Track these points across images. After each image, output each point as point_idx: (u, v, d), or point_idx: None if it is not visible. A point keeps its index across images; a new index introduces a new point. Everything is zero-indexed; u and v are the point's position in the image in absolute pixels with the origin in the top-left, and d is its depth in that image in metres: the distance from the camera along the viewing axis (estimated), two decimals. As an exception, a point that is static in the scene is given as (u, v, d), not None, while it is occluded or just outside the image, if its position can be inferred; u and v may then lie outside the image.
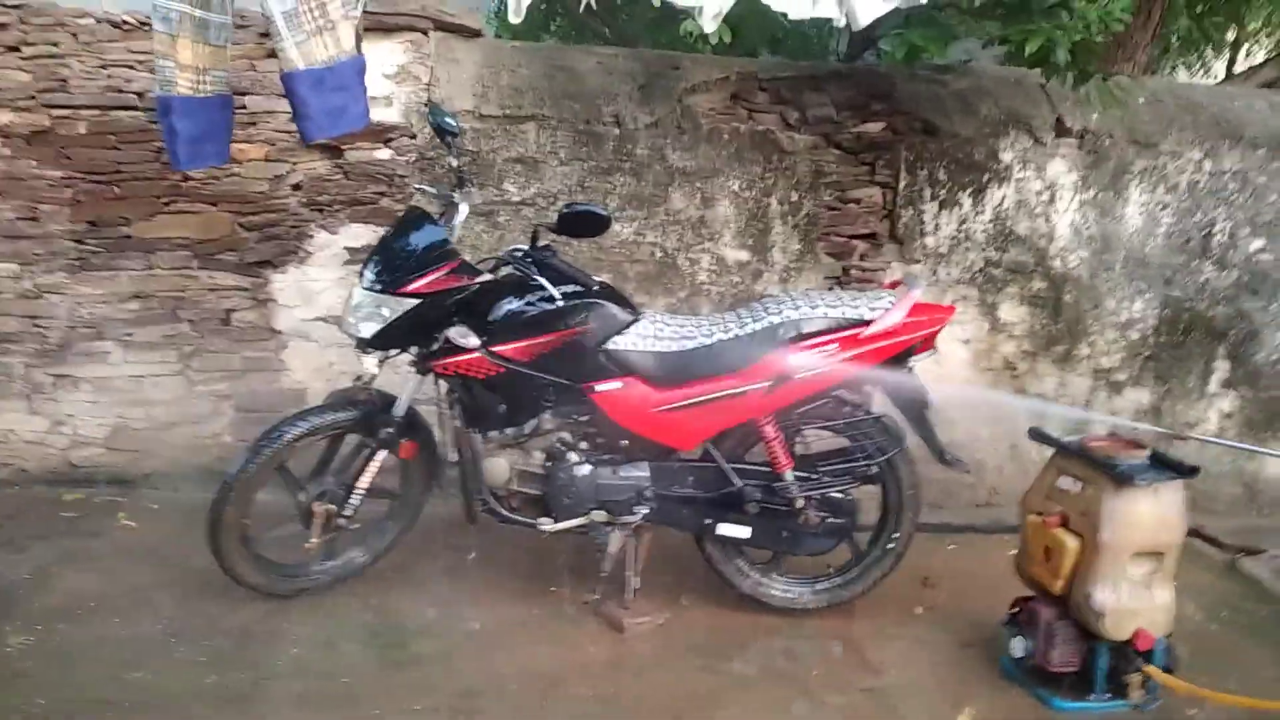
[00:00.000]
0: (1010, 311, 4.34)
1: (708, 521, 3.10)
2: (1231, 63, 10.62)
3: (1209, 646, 3.23)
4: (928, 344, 3.05)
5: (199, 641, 2.86)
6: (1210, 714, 2.81)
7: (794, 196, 4.12)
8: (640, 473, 3.06)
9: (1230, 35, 8.35)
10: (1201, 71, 9.44)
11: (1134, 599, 2.71)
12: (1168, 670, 2.78)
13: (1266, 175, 4.41)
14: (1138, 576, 2.73)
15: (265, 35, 3.52)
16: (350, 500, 3.08)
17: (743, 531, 3.10)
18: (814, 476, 3.13)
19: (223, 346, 3.99)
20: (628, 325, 3.00)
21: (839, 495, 3.14)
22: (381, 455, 3.08)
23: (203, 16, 2.57)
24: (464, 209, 3.11)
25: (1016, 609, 2.96)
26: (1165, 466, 2.74)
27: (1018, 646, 2.86)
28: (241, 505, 2.94)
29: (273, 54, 2.79)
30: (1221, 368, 4.59)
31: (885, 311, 2.94)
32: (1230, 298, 4.51)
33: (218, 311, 3.95)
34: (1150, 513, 2.71)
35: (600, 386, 2.96)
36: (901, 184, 4.13)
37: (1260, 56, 9.94)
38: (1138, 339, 4.47)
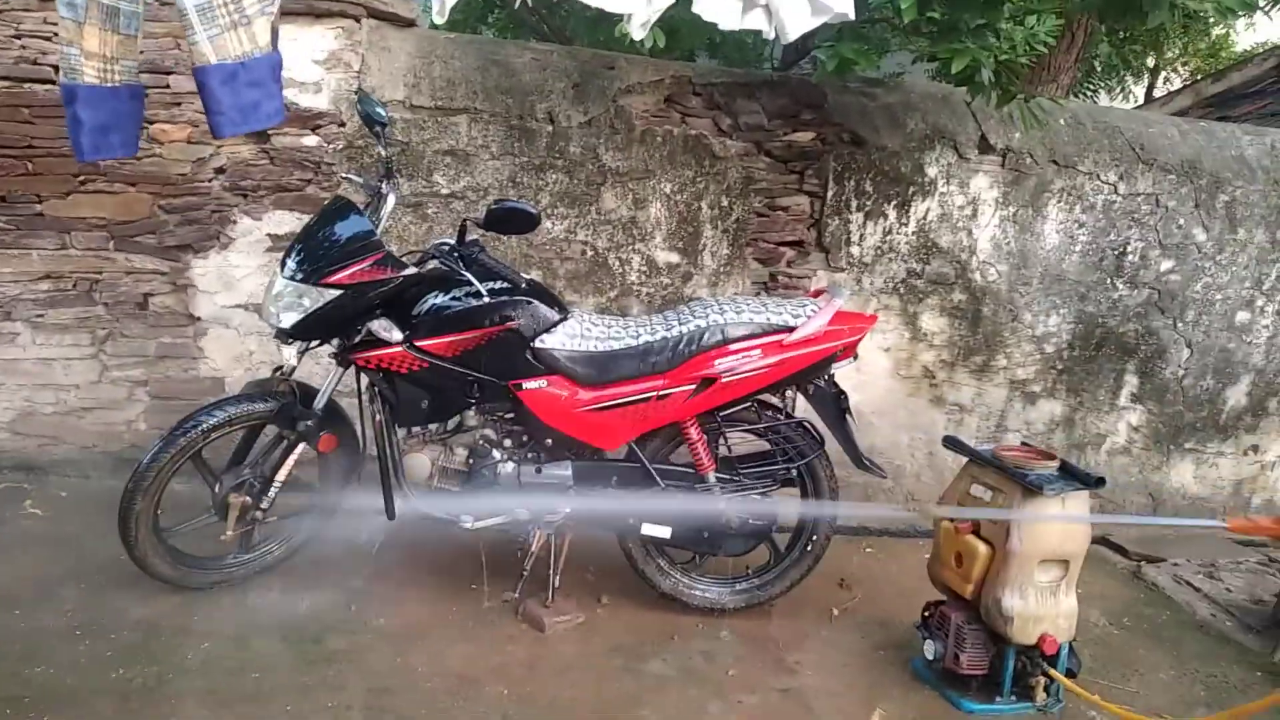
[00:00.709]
0: (931, 321, 4.43)
1: (630, 521, 3.11)
2: (1151, 88, 11.01)
3: (1112, 650, 3.36)
4: (849, 351, 3.11)
5: (106, 635, 2.78)
6: (1110, 718, 2.91)
7: (724, 201, 4.15)
8: (564, 471, 3.06)
9: (1150, 62, 8.66)
10: (1122, 96, 9.77)
11: (1040, 605, 2.80)
12: (1070, 674, 2.88)
13: (1176, 199, 4.58)
14: (1044, 583, 2.82)
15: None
16: (267, 493, 3.04)
17: (664, 531, 3.12)
18: (735, 478, 3.17)
19: (139, 331, 3.88)
20: (556, 324, 2.99)
21: (759, 497, 3.18)
22: (300, 448, 3.04)
23: (112, 4, 2.49)
24: (391, 200, 3.07)
25: (929, 612, 3.03)
26: (1073, 477, 2.83)
27: (929, 649, 2.93)
28: (154, 495, 2.87)
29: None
30: (1131, 382, 4.76)
31: (809, 319, 2.99)
32: (1140, 315, 4.68)
33: (134, 295, 3.84)
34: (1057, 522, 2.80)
35: (526, 384, 2.96)
36: (829, 193, 4.20)
37: (1177, 83, 10.33)
38: (1052, 352, 4.61)
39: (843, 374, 3.23)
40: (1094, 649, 3.34)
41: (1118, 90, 9.54)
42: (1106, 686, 3.08)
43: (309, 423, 3.01)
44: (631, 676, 2.89)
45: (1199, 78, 9.78)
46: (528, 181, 4.00)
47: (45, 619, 2.84)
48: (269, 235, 3.86)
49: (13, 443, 3.87)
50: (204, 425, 2.88)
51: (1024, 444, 3.12)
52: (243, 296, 3.90)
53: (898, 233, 4.32)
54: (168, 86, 3.64)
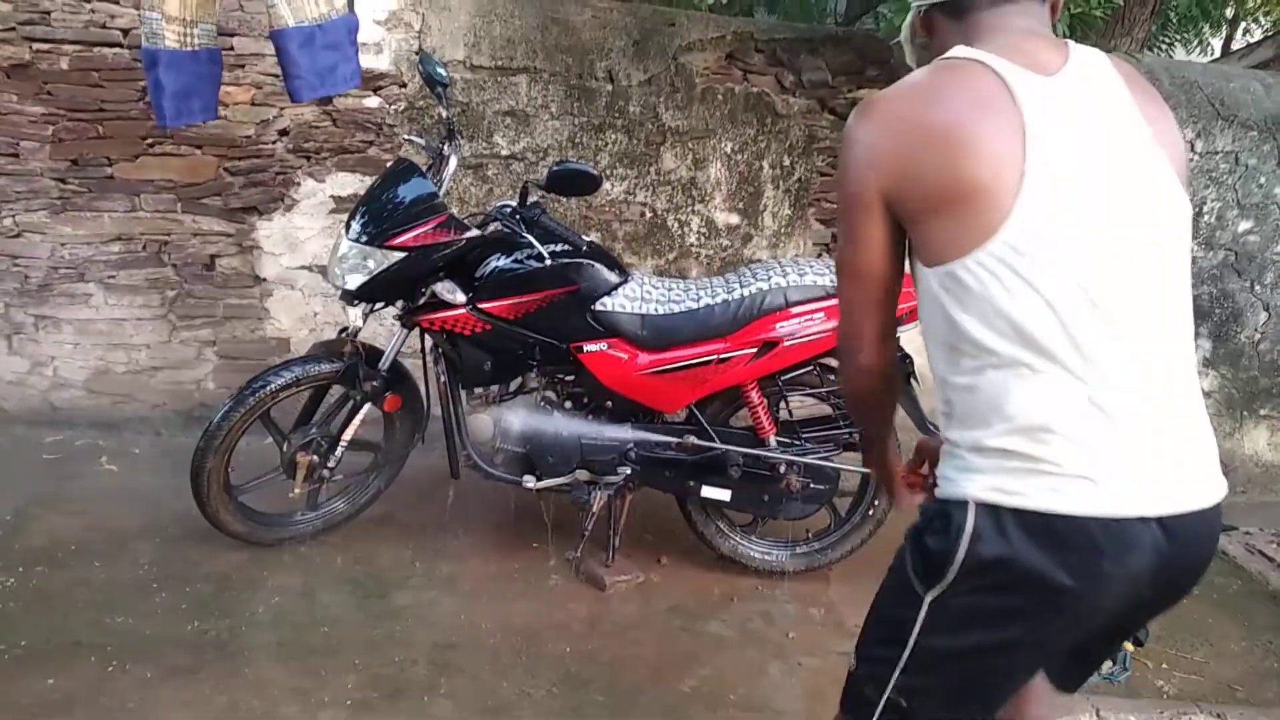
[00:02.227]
0: (997, 283, 4.34)
1: (691, 483, 3.12)
2: (1229, 40, 10.59)
3: (1181, 620, 3.30)
4: (914, 315, 3.04)
5: (179, 588, 2.87)
6: (1179, 685, 2.87)
7: (786, 161, 4.10)
8: (625, 433, 3.07)
9: (1229, 12, 8.33)
10: (1199, 48, 9.42)
11: None
12: (1138, 643, 2.83)
13: (1257, 157, 4.42)
14: None
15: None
16: (334, 452, 3.08)
17: (724, 494, 3.12)
18: (796, 442, 3.15)
19: (206, 292, 3.95)
20: (616, 286, 2.98)
21: (820, 462, 3.16)
22: (366, 408, 3.09)
23: None
24: (453, 162, 3.07)
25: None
26: None
27: None
28: (225, 453, 2.93)
29: (261, -8, 2.74)
30: (1204, 347, 4.63)
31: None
32: (1216, 278, 4.54)
33: (201, 257, 3.91)
34: None
35: (587, 347, 2.96)
36: (894, 152, 4.12)
37: (1257, 34, 9.93)
38: (1121, 315, 4.49)
39: (906, 337, 3.17)
40: (1163, 618, 3.27)
41: (1195, 43, 9.19)
42: (1174, 656, 3.04)
43: (374, 383, 3.04)
44: (690, 636, 2.91)
45: (1280, 29, 9.39)
46: (587, 142, 3.98)
47: (123, 571, 2.93)
48: (332, 197, 3.90)
49: (88, 400, 3.99)
50: (272, 385, 2.93)
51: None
52: (307, 258, 3.95)
53: (963, 193, 4.22)
54: (231, 48, 3.67)
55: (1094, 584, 1.25)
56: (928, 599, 1.33)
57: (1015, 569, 1.25)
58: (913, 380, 3.14)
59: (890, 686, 1.41)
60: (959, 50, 1.33)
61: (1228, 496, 1.39)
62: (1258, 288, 4.58)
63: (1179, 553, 1.29)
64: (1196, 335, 4.56)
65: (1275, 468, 4.87)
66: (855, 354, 1.45)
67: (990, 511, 1.27)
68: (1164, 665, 2.98)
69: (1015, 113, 1.23)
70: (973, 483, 1.30)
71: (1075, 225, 1.23)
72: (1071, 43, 1.34)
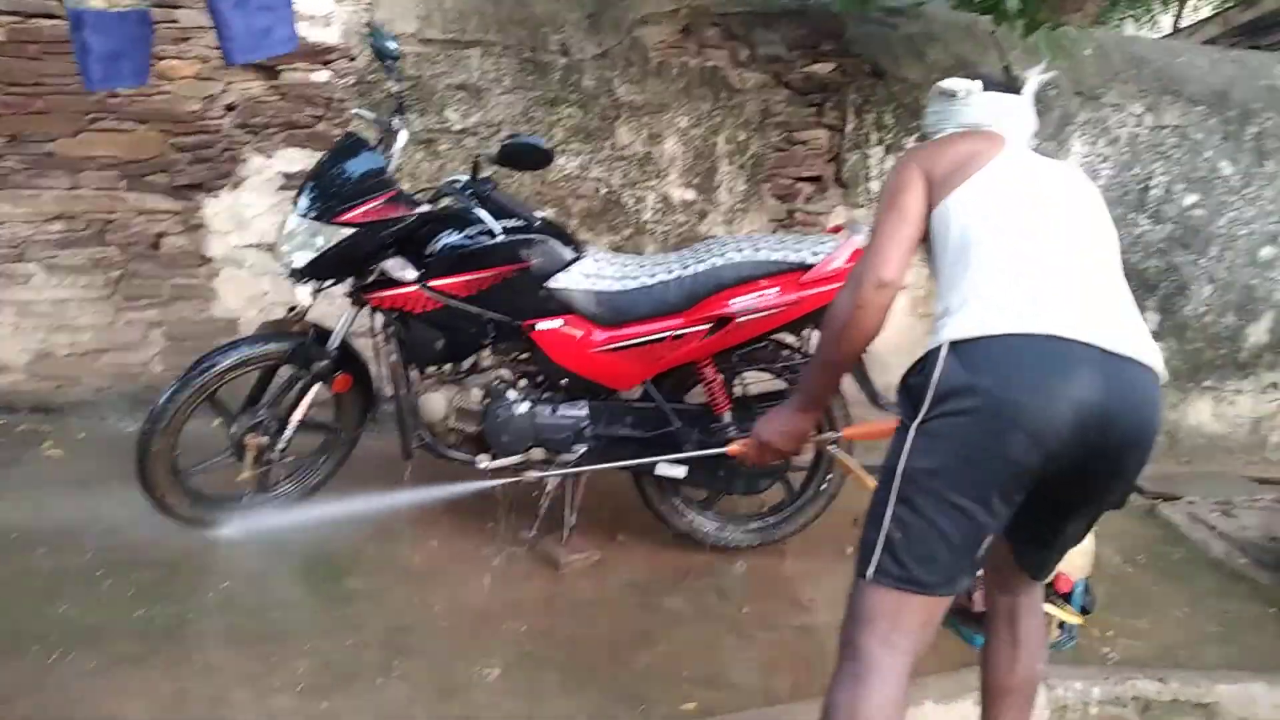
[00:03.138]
0: (950, 258, 4.37)
1: (645, 460, 3.11)
2: (1178, 17, 10.73)
3: (1127, 588, 3.37)
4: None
5: (126, 575, 2.81)
6: (1123, 652, 2.93)
7: (741, 136, 4.09)
8: (579, 411, 3.06)
9: (1178, -12, 8.45)
10: (1149, 25, 9.53)
11: None
12: (1084, 611, 2.89)
13: (1204, 132, 4.48)
14: None
15: (196, -54, 3.36)
16: (283, 433, 3.04)
17: (680, 471, 3.12)
18: (752, 418, 3.15)
19: (152, 272, 3.87)
20: (570, 263, 2.96)
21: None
22: (316, 388, 3.04)
23: None
24: (403, 136, 3.01)
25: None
26: None
27: None
28: (171, 436, 2.88)
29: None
30: (1151, 319, 4.70)
31: (826, 256, 2.94)
32: (1163, 251, 4.61)
33: (147, 236, 3.82)
34: None
35: (541, 324, 2.94)
36: (849, 127, 4.13)
37: (1205, 11, 10.05)
38: (1072, 289, 4.55)
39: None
40: (1109, 586, 3.35)
41: (1145, 19, 9.30)
42: (1119, 623, 3.10)
43: (324, 363, 3.00)
44: (647, 612, 2.92)
45: (1228, 6, 9.51)
46: (541, 116, 3.94)
47: (67, 559, 2.87)
48: (281, 174, 3.83)
49: (30, 384, 3.89)
50: (219, 366, 2.88)
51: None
52: (256, 236, 3.87)
53: (917, 168, 4.24)
54: (175, 21, 3.58)
55: (1044, 399, 1.52)
56: (912, 428, 1.62)
57: (977, 388, 1.54)
58: (864, 355, 3.16)
59: (887, 520, 1.63)
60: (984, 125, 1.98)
61: (1172, 466, 1.47)
62: (1203, 261, 4.66)
63: (1122, 397, 1.56)
64: (1144, 308, 4.64)
65: (1218, 438, 4.98)
66: (880, 269, 1.76)
67: (956, 348, 1.59)
68: (1109, 633, 3.03)
69: (1001, 141, 1.88)
70: (944, 330, 1.62)
71: (1020, 181, 1.79)
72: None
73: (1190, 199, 4.56)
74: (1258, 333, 4.84)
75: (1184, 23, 10.41)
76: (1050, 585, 2.80)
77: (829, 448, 2.20)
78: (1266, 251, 4.72)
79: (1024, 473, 1.57)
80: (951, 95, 2.01)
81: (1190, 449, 4.92)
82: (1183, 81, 4.44)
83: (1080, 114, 4.33)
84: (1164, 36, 9.30)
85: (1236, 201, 4.60)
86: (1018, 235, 1.68)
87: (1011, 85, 2.05)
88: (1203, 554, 3.76)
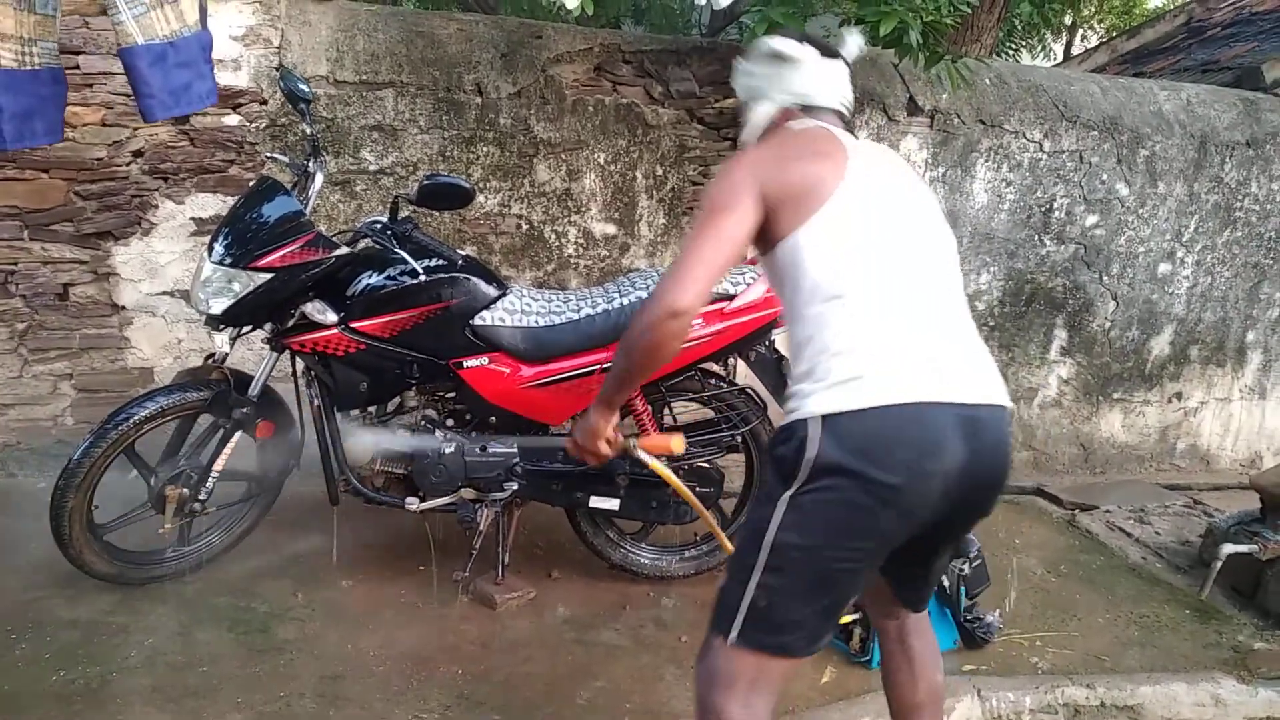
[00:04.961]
0: (867, 284, 4.47)
1: (578, 495, 3.11)
2: (1069, 46, 11.21)
3: (1051, 596, 3.48)
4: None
5: (41, 637, 2.70)
6: (1051, 660, 3.01)
7: (659, 170, 4.14)
8: (509, 449, 3.04)
9: (1068, 20, 8.83)
10: (1043, 54, 9.94)
11: None
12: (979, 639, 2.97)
13: (1099, 155, 4.68)
14: None
15: (100, -9, 3.30)
16: (205, 484, 2.96)
17: (613, 503, 3.12)
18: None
19: (60, 323, 3.74)
20: (494, 300, 2.96)
21: (705, 465, 3.20)
22: (237, 436, 2.98)
23: None
24: (319, 178, 2.99)
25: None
26: None
27: None
28: (87, 491, 2.79)
29: (105, 10, 2.61)
30: (1060, 336, 4.88)
31: (748, 286, 3.00)
32: (1068, 270, 4.79)
33: (53, 285, 3.70)
34: None
35: (467, 363, 2.92)
36: (763, 159, 4.20)
37: (1094, 40, 10.54)
38: (984, 309, 4.70)
39: (783, 339, 3.25)
40: (1033, 596, 3.45)
41: (1039, 49, 9.71)
42: (1046, 633, 3.18)
43: (245, 410, 2.94)
44: (585, 648, 2.90)
45: (1114, 35, 9.99)
46: (458, 155, 3.93)
47: (-23, 624, 2.75)
48: (193, 219, 3.75)
49: (-68, 443, 3.73)
50: (136, 417, 2.80)
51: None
52: (169, 283, 3.78)
53: (831, 196, 4.33)
54: (77, 67, 3.50)
55: (917, 479, 1.55)
56: (784, 500, 1.61)
57: (851, 470, 1.54)
58: (787, 379, 3.21)
59: (751, 586, 1.62)
60: (806, 121, 1.90)
61: (1087, 477, 1.54)
62: (1106, 278, 4.85)
63: (984, 450, 1.61)
64: (1053, 326, 4.82)
65: (1129, 447, 5.17)
66: (677, 298, 1.67)
67: (828, 422, 1.57)
68: (1037, 642, 3.11)
69: (843, 153, 1.78)
70: (810, 401, 1.60)
71: (870, 213, 1.72)
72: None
73: (1091, 219, 4.76)
74: (1160, 345, 5.06)
75: (1075, 50, 10.90)
76: None
77: (637, 453, 2.18)
78: (1164, 268, 4.94)
79: (894, 541, 1.63)
80: (781, 59, 1.93)
81: (1103, 459, 5.10)
82: (1077, 108, 4.64)
83: (983, 141, 4.49)
84: (1057, 64, 9.72)
85: (1133, 220, 4.82)
86: (878, 285, 1.66)
87: (832, 50, 1.98)
88: (1121, 560, 3.89)
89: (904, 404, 1.56)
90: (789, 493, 1.60)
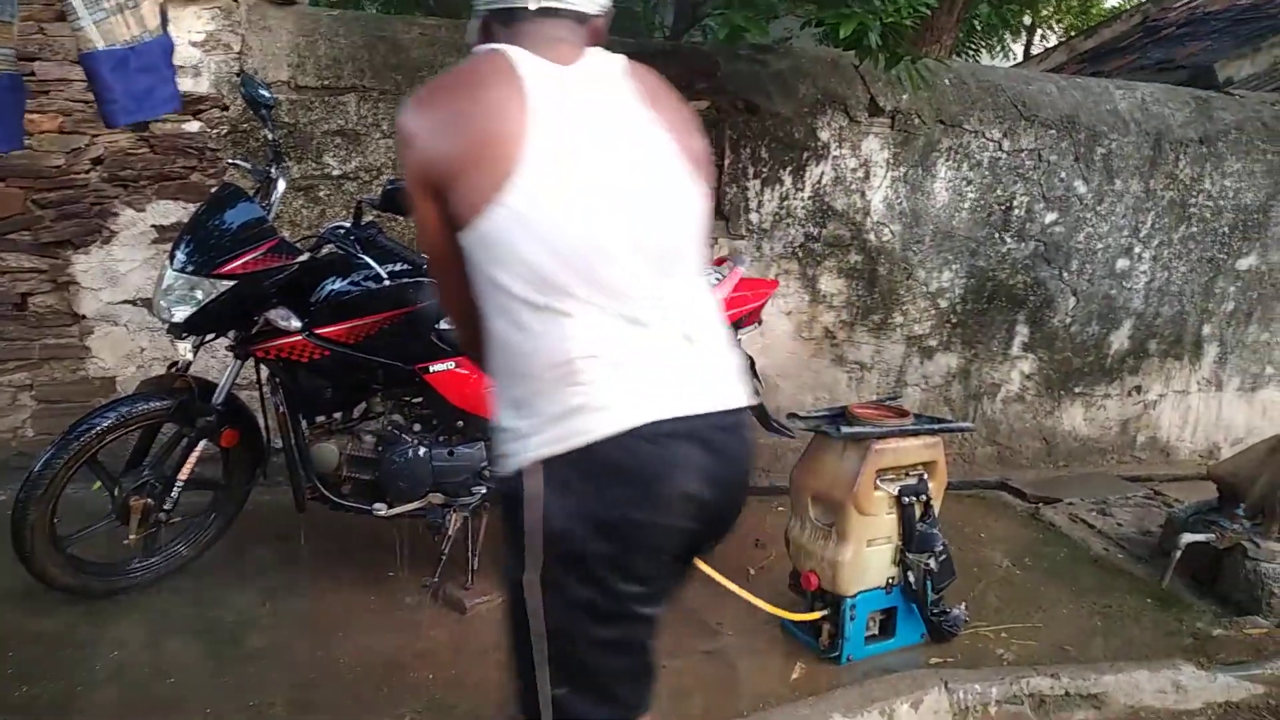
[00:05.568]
0: (829, 283, 4.52)
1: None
2: (1028, 46, 11.35)
3: (1016, 589, 3.53)
4: (753, 318, 3.15)
5: (5, 652, 2.66)
6: (1017, 652, 3.05)
7: (623, 172, 4.15)
8: (477, 453, 3.04)
9: (1027, 20, 8.96)
10: (1002, 54, 10.07)
11: (811, 540, 2.95)
12: (950, 630, 3.03)
13: (1058, 154, 4.76)
14: (818, 521, 2.95)
15: (55, -2, 3.27)
16: (170, 493, 2.93)
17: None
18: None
19: (19, 333, 3.70)
20: (460, 304, 2.95)
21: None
22: (201, 445, 2.95)
23: None
24: (281, 184, 2.98)
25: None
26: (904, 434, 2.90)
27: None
28: (49, 503, 2.75)
29: (62, 16, 2.59)
30: (1022, 332, 4.95)
31: (714, 287, 3.02)
32: (1028, 267, 4.86)
33: (11, 295, 3.65)
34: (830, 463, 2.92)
35: (434, 367, 2.92)
36: (726, 162, 4.23)
37: (1052, 40, 10.68)
38: (946, 307, 4.76)
39: (748, 340, 3.27)
40: (999, 589, 3.50)
41: (998, 49, 9.83)
42: (1011, 625, 3.23)
43: (209, 419, 2.92)
44: (556, 651, 2.90)
45: (1072, 35, 10.14)
46: (422, 160, 3.92)
47: (-61, 640, 2.71)
48: (154, 227, 3.72)
49: (-112, 457, 3.67)
50: (98, 427, 2.77)
51: (879, 403, 3.20)
52: (130, 292, 3.75)
53: (794, 198, 4.38)
54: (34, 74, 3.46)
55: (660, 514, 1.36)
56: (534, 582, 1.36)
57: (585, 529, 1.32)
58: (755, 380, 3.24)
59: (545, 684, 1.40)
60: (485, 47, 1.45)
61: (1050, 471, 1.51)
62: (1066, 275, 4.93)
63: (725, 461, 1.41)
64: (1014, 322, 4.88)
65: (1091, 441, 5.25)
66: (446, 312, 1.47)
67: (549, 468, 1.33)
68: (1003, 634, 3.16)
69: (519, 86, 1.35)
70: (530, 445, 1.35)
71: (576, 185, 1.34)
72: (598, 50, 1.49)
73: (1050, 217, 4.83)
74: (1119, 339, 5.14)
75: (1035, 50, 11.04)
76: (797, 584, 2.95)
77: None
78: (1122, 263, 5.02)
79: (658, 574, 1.44)
80: None
81: (1066, 453, 5.18)
82: (1036, 107, 4.71)
83: (944, 141, 4.54)
84: (1016, 64, 9.85)
85: (1092, 218, 4.90)
86: (586, 279, 1.34)
87: None
88: (1084, 552, 3.96)
89: (638, 426, 1.32)
90: (537, 574, 1.35)
